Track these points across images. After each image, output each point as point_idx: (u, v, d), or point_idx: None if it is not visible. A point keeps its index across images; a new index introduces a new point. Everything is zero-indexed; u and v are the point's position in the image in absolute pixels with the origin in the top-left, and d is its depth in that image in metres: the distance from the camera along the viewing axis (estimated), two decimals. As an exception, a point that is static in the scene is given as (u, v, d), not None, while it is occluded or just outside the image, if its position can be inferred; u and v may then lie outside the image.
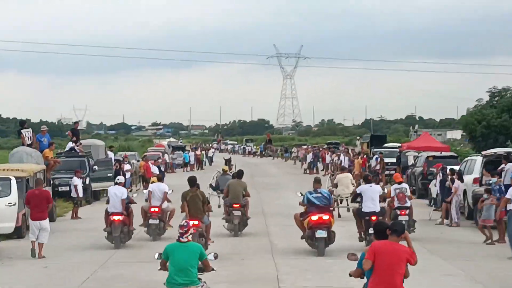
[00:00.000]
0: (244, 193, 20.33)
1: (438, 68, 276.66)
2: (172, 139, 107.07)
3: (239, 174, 20.92)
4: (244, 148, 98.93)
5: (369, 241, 16.56)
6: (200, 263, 9.77)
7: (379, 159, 38.40)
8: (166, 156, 52.12)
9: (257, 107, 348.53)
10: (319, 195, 17.11)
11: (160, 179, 21.27)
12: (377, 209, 17.77)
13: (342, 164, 34.83)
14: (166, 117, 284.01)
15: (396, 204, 18.97)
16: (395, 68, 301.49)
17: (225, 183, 21.36)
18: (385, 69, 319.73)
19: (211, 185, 23.72)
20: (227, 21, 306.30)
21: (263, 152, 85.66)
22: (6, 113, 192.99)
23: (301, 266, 15.33)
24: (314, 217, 16.64)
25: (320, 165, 51.97)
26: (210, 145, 78.43)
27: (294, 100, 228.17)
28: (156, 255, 10.10)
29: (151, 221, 19.34)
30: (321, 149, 58.92)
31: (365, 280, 8.93)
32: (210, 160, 65.11)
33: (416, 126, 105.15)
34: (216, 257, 10.24)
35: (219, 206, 21.80)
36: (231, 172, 25.25)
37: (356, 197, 18.49)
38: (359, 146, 61.76)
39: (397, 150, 41.77)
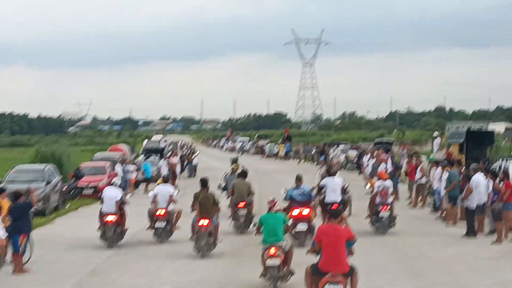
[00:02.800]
0: (248, 192, 22.84)
1: (465, 56, 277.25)
2: (155, 137, 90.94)
3: (243, 174, 23.53)
4: (258, 145, 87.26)
5: None
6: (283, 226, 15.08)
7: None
8: (119, 168, 36.57)
9: (274, 100, 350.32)
10: (301, 191, 20.36)
11: (166, 180, 22.55)
12: (338, 199, 21.51)
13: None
14: (177, 111, 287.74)
15: (378, 200, 21.88)
16: (420, 58, 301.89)
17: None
18: (409, 59, 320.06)
19: (219, 186, 25.94)
20: (243, 11, 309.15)
21: (288, 154, 72.71)
22: (5, 107, 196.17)
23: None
24: (295, 212, 19.74)
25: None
26: (189, 151, 60.14)
27: (314, 91, 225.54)
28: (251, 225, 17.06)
29: (157, 224, 21.04)
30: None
31: None
32: (193, 169, 50.82)
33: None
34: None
35: (229, 206, 23.83)
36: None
37: (320, 189, 21.91)
38: (435, 147, 42.17)
39: None
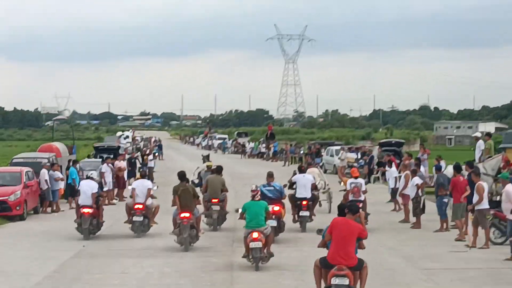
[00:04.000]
0: (222, 188, 23.09)
1: (448, 56, 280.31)
2: (124, 133, 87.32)
3: (218, 170, 23.73)
4: (238, 144, 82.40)
5: (300, 222, 22.47)
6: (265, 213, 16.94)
7: None
8: (45, 175, 29.02)
9: (255, 96, 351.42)
10: (272, 188, 20.94)
11: (144, 175, 23.09)
12: (308, 195, 22.70)
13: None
14: (158, 107, 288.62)
15: (350, 197, 22.44)
16: (402, 57, 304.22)
17: None
18: (391, 58, 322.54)
19: (193, 182, 25.78)
20: (224, 7, 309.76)
21: (276, 154, 66.36)
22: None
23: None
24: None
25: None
26: (146, 149, 56.40)
27: (297, 88, 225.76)
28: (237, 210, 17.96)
29: (135, 218, 21.54)
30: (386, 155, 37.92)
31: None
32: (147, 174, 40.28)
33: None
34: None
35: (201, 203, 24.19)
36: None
37: (292, 184, 23.07)
38: (477, 152, 29.03)
39: None
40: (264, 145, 70.94)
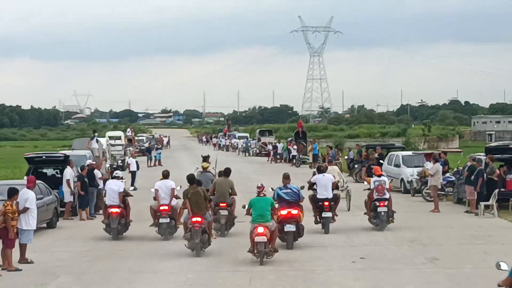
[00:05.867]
0: (230, 191, 22.73)
1: (474, 51, 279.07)
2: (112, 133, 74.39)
3: (226, 172, 23.27)
4: (263, 144, 74.64)
5: (323, 223, 22.47)
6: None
7: None
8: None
9: (279, 92, 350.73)
10: (289, 190, 20.37)
11: (166, 175, 22.72)
12: (330, 196, 22.70)
13: None
14: (180, 104, 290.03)
15: (375, 196, 22.83)
16: (428, 52, 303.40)
17: (206, 181, 23.77)
18: (417, 53, 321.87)
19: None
20: (246, 2, 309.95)
21: (317, 158, 52.43)
22: (5, 100, 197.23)
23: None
24: (283, 212, 19.81)
25: None
26: (133, 149, 55.18)
27: (322, 82, 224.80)
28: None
29: (161, 220, 21.61)
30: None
31: None
32: (132, 178, 39.48)
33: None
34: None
35: None
36: (213, 169, 27.25)
37: (312, 185, 23.16)
38: None
39: None
40: (295, 147, 59.41)
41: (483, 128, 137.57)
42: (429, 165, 30.60)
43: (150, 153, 61.27)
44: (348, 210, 27.55)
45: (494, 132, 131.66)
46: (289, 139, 67.24)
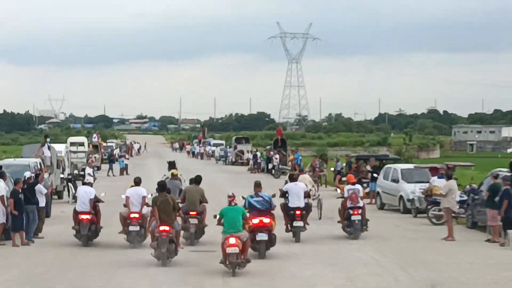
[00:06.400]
0: (201, 199, 22.33)
1: (449, 60, 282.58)
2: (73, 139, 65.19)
3: (197, 180, 22.91)
4: (239, 153, 71.35)
5: (294, 232, 22.24)
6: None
7: None
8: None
9: (256, 99, 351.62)
10: (260, 198, 20.10)
11: (138, 182, 22.44)
12: (302, 205, 22.61)
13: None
14: (156, 111, 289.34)
15: (349, 204, 22.80)
16: (405, 62, 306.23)
17: (174, 189, 23.27)
18: (394, 62, 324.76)
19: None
20: (224, 11, 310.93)
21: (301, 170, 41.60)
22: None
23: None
24: (255, 220, 19.52)
25: None
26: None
27: (300, 89, 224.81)
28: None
29: (131, 228, 21.39)
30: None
31: None
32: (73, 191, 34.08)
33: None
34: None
35: None
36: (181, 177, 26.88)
37: (284, 194, 23.08)
38: None
39: None
40: (277, 156, 55.78)
41: (463, 138, 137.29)
42: (437, 181, 27.47)
43: (112, 161, 57.65)
44: (319, 218, 27.48)
45: (475, 142, 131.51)
46: (268, 147, 64.60)
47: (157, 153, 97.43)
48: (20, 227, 22.06)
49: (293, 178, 23.92)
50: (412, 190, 29.92)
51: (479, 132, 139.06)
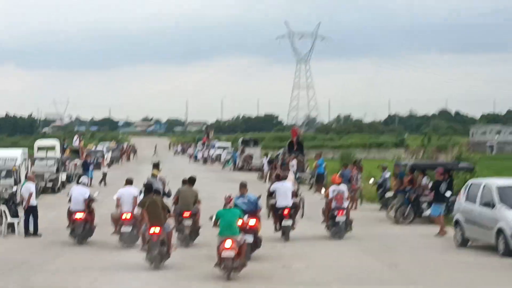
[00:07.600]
0: (195, 200, 22.31)
1: (460, 61, 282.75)
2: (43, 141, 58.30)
3: (191, 181, 22.85)
4: (247, 156, 63.60)
5: (283, 231, 22.52)
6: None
7: None
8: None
9: (264, 101, 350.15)
10: (246, 200, 20.20)
11: (130, 182, 22.71)
12: (289, 204, 22.96)
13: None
14: (162, 113, 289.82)
15: (333, 205, 23.07)
16: (414, 62, 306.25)
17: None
18: (402, 63, 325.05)
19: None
20: (232, 13, 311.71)
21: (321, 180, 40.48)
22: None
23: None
24: (239, 222, 18.96)
25: None
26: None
27: (309, 90, 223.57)
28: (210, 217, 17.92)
29: (123, 229, 21.61)
30: None
31: None
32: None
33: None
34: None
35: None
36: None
37: (271, 194, 23.47)
38: None
39: None
40: (293, 162, 45.98)
41: (482, 139, 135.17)
42: None
43: (87, 170, 46.10)
44: (302, 217, 26.77)
45: (496, 143, 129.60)
46: (280, 151, 54.50)
47: (157, 157, 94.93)
48: None
49: (279, 178, 24.31)
50: None
51: (498, 132, 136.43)
